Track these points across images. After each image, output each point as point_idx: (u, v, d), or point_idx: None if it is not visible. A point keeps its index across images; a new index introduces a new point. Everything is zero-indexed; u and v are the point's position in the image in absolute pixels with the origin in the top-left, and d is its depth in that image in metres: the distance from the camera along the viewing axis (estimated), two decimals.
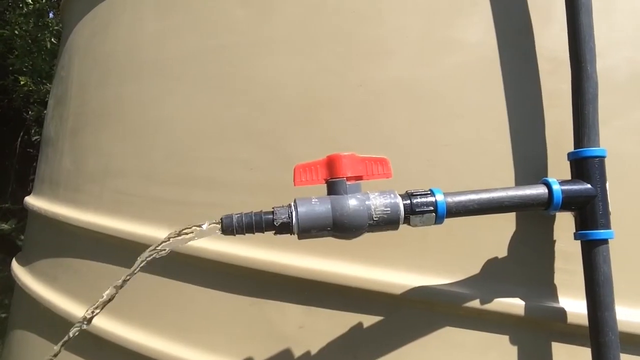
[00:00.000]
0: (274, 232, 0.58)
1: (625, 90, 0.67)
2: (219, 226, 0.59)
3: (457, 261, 0.68)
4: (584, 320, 0.61)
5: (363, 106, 0.73)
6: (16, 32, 4.51)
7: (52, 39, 4.82)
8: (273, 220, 0.58)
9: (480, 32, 0.71)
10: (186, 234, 0.61)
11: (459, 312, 0.66)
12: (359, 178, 0.60)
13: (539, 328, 0.65)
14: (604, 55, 0.65)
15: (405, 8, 0.73)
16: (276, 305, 0.74)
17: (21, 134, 5.48)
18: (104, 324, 0.85)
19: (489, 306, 0.65)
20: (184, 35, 0.87)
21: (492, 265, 0.67)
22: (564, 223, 0.66)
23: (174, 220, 0.84)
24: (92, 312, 0.68)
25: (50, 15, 4.73)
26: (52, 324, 0.99)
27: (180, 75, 0.86)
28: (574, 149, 0.62)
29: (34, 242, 1.21)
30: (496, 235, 0.67)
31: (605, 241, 0.60)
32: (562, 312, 0.64)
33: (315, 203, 0.58)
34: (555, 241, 0.66)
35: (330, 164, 0.60)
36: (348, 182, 0.59)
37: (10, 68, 4.62)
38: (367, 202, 0.58)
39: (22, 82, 4.56)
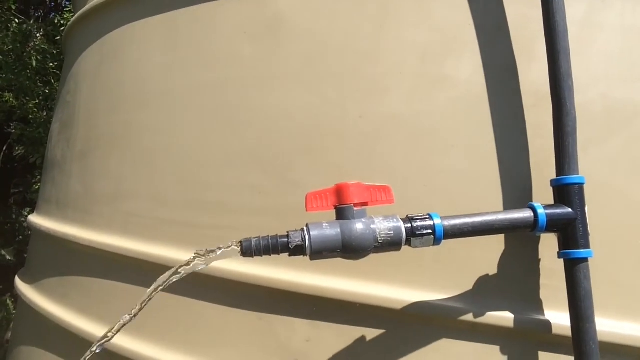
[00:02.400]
0: (288, 254, 0.64)
1: (601, 122, 0.75)
2: (238, 249, 0.65)
3: (451, 278, 0.75)
4: (568, 331, 0.68)
5: (364, 136, 0.80)
6: (2, 49, 4.53)
7: (38, 57, 4.85)
8: (288, 244, 0.64)
9: (470, 70, 0.78)
10: (203, 255, 0.66)
11: (454, 325, 0.73)
12: (365, 204, 0.66)
13: (528, 339, 0.72)
14: (581, 91, 0.72)
15: (402, 47, 0.80)
16: (284, 320, 0.79)
17: (3, 149, 5.46)
18: (116, 339, 0.90)
19: (481, 319, 0.72)
20: (192, 67, 0.93)
21: (483, 282, 0.74)
22: (548, 243, 0.73)
23: (183, 241, 0.89)
24: (113, 332, 0.72)
25: (37, 35, 4.75)
26: (63, 339, 1.03)
27: (189, 105, 0.92)
28: (556, 176, 0.70)
29: (40, 260, 1.25)
30: (487, 254, 0.74)
31: (585, 259, 0.67)
32: (547, 324, 0.71)
33: (326, 227, 0.64)
34: (540, 259, 0.73)
35: (339, 191, 0.66)
36: (355, 208, 0.65)
37: None
38: (372, 226, 0.64)
39: (5, 99, 4.57)
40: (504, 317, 0.72)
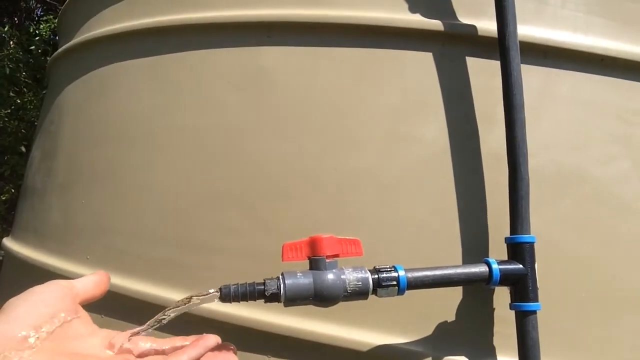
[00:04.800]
0: (264, 300, 0.70)
1: (552, 184, 0.82)
2: (217, 294, 0.70)
3: (414, 324, 0.81)
4: None
5: (337, 187, 0.86)
6: None
7: (10, 65, 4.82)
8: (264, 291, 0.69)
9: (436, 131, 0.85)
10: (185, 303, 0.71)
11: None
12: (336, 256, 0.72)
13: None
14: (534, 156, 0.80)
15: (375, 106, 0.87)
16: (257, 358, 0.84)
17: None
18: None
19: None
20: (178, 111, 0.98)
21: (442, 328, 0.80)
22: (502, 293, 0.80)
23: (162, 278, 0.93)
24: None
25: (12, 44, 4.73)
26: None
27: (173, 147, 0.97)
28: (510, 234, 0.77)
29: (14, 287, 1.26)
30: (446, 302, 0.81)
31: (534, 312, 0.74)
32: None
33: (299, 277, 0.70)
34: (494, 309, 0.80)
35: (313, 244, 0.71)
36: (327, 260, 0.71)
37: None
38: (342, 277, 0.70)
39: None
40: None
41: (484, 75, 0.85)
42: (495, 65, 0.83)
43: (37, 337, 0.53)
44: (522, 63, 0.80)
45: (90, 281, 0.68)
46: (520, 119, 0.78)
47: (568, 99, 0.85)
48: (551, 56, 0.86)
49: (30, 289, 0.59)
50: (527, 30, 0.85)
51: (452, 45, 0.86)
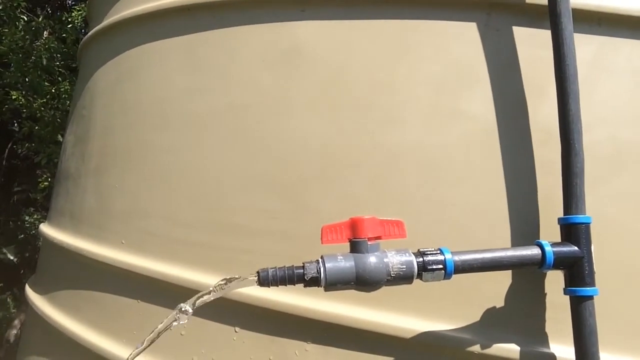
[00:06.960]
0: (303, 284, 0.67)
1: (608, 161, 0.77)
2: (255, 278, 0.67)
3: (460, 309, 0.77)
4: None
5: (378, 167, 0.82)
6: (12, 47, 4.56)
7: (46, 55, 4.88)
8: (304, 275, 0.66)
9: (482, 106, 0.80)
10: (224, 284, 0.68)
11: (462, 355, 0.75)
12: (378, 238, 0.68)
13: None
14: (589, 131, 0.74)
15: (417, 81, 0.82)
16: (296, 344, 0.82)
17: (8, 146, 5.50)
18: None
19: (488, 351, 0.74)
20: (212, 92, 0.95)
21: (491, 314, 0.76)
22: (554, 277, 0.75)
23: (197, 262, 0.91)
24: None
25: (46, 34, 4.78)
26: (73, 352, 1.05)
27: (208, 128, 0.94)
28: (564, 215, 0.72)
29: (52, 272, 1.27)
30: (494, 286, 0.76)
31: (590, 297, 0.69)
32: (552, 357, 0.73)
33: (340, 260, 0.66)
34: (546, 294, 0.75)
35: (353, 225, 0.68)
36: (369, 242, 0.67)
37: (5, 81, 4.67)
38: (385, 260, 0.67)
39: (13, 97, 4.60)
40: (510, 349, 0.74)
41: (532, 45, 0.80)
42: (545, 34, 0.78)
43: None
44: (574, 32, 0.75)
45: None
46: (574, 91, 0.72)
47: (625, 70, 0.79)
48: (606, 23, 0.79)
49: None
50: None
51: (498, 14, 0.81)
